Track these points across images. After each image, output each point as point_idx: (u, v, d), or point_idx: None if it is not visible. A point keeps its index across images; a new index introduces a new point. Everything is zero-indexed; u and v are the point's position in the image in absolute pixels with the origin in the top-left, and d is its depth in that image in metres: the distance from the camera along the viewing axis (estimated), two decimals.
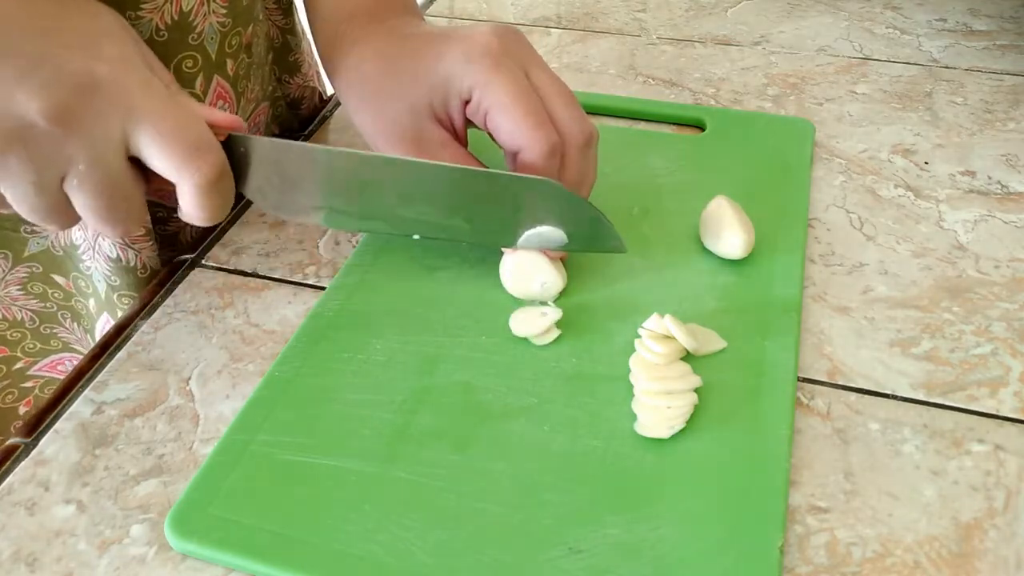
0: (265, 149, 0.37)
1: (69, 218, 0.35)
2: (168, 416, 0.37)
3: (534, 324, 0.39)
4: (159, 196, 0.37)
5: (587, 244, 0.40)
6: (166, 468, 0.35)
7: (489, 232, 0.40)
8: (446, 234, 0.40)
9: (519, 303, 0.41)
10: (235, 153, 0.37)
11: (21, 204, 0.33)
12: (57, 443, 0.36)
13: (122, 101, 0.33)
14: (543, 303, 0.41)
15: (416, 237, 0.40)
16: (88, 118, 0.32)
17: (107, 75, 0.32)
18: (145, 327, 0.42)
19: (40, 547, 0.33)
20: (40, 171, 0.32)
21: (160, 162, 0.34)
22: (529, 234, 0.39)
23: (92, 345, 0.41)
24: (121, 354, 0.40)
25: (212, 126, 0.35)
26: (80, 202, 0.34)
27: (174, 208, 0.36)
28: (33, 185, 0.33)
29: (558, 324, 0.39)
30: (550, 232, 0.39)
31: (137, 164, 0.34)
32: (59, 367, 0.54)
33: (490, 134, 0.40)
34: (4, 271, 0.49)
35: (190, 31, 0.43)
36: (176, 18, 0.42)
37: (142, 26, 0.41)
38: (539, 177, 0.38)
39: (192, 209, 0.35)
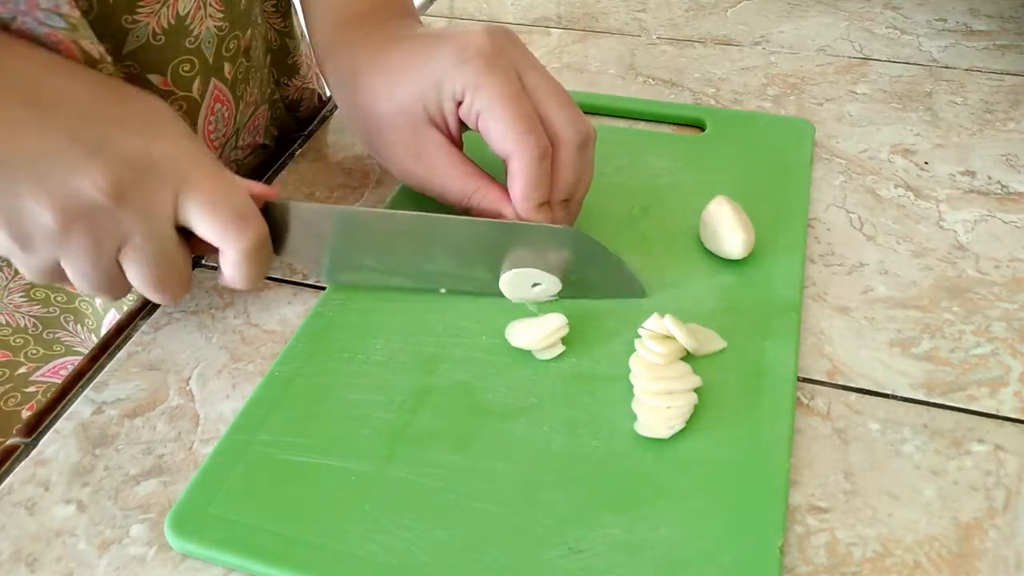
0: (300, 213, 0.39)
1: (123, 289, 0.37)
2: (168, 416, 0.37)
3: (539, 339, 0.38)
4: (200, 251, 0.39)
5: (608, 291, 0.41)
6: (166, 468, 0.35)
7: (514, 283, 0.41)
8: (470, 286, 0.41)
9: (519, 303, 0.41)
10: (272, 219, 0.39)
11: (80, 278, 0.35)
12: (57, 443, 0.36)
13: (174, 175, 0.35)
14: (540, 305, 0.41)
15: (443, 291, 0.41)
16: (144, 194, 0.34)
17: (161, 153, 0.35)
18: (145, 327, 0.42)
19: (40, 547, 0.33)
20: (99, 246, 0.34)
21: (207, 230, 0.36)
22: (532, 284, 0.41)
23: None
24: (121, 354, 0.40)
25: (252, 197, 0.37)
26: (133, 272, 0.36)
27: None
28: (92, 260, 0.35)
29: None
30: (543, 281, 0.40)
31: (183, 233, 0.36)
32: (61, 372, 0.54)
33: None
34: (7, 279, 0.49)
35: (187, 35, 0.43)
36: (172, 22, 0.42)
37: (139, 30, 0.41)
38: (561, 227, 0.39)
39: (233, 274, 0.37)
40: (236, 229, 0.36)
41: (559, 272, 0.40)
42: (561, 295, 0.41)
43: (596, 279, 0.40)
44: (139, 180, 0.34)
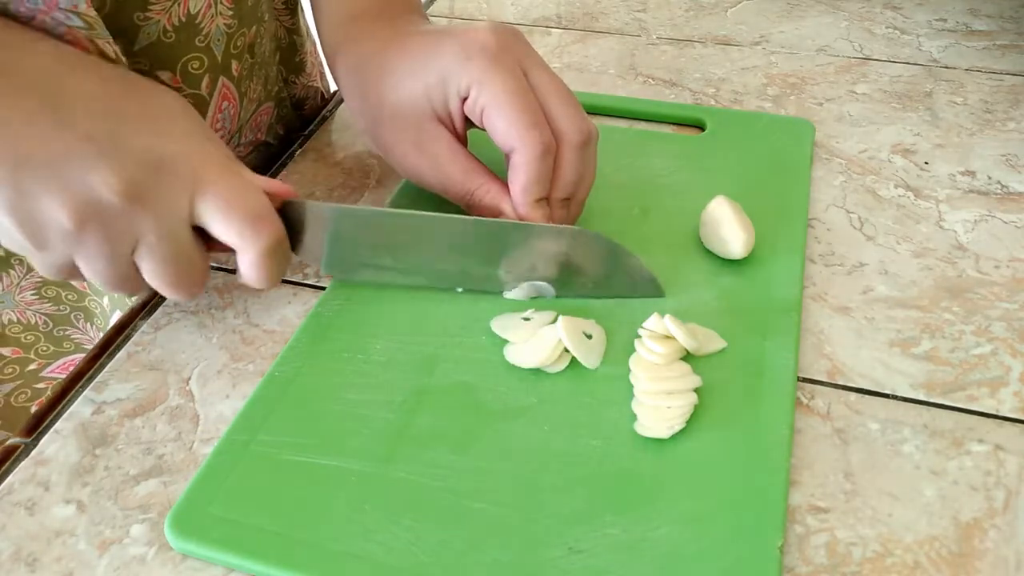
0: (317, 213, 0.39)
1: (138, 285, 0.37)
2: (168, 416, 0.37)
3: (544, 357, 0.37)
4: (217, 254, 0.39)
5: (625, 290, 0.41)
6: (166, 468, 0.35)
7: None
8: (487, 285, 0.41)
9: (520, 302, 0.41)
10: (289, 218, 0.38)
11: (95, 276, 0.35)
12: (57, 443, 0.36)
13: (187, 174, 0.35)
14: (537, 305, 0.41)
15: (460, 290, 0.41)
16: (158, 193, 0.34)
17: (174, 151, 0.35)
18: (145, 327, 0.42)
19: (40, 547, 0.33)
20: (114, 245, 0.34)
21: (223, 231, 0.36)
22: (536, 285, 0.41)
23: None
24: (121, 354, 0.40)
25: (268, 195, 0.37)
26: (149, 270, 0.36)
27: None
28: (107, 258, 0.35)
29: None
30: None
31: (199, 231, 0.36)
32: (71, 369, 0.54)
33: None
34: (19, 276, 0.50)
35: (197, 33, 0.43)
36: (183, 20, 0.42)
37: (150, 27, 0.41)
38: (576, 228, 0.40)
39: (251, 273, 0.37)
40: (252, 230, 0.36)
41: (576, 274, 0.40)
42: (578, 296, 0.41)
43: (614, 280, 0.40)
44: (153, 179, 0.34)
